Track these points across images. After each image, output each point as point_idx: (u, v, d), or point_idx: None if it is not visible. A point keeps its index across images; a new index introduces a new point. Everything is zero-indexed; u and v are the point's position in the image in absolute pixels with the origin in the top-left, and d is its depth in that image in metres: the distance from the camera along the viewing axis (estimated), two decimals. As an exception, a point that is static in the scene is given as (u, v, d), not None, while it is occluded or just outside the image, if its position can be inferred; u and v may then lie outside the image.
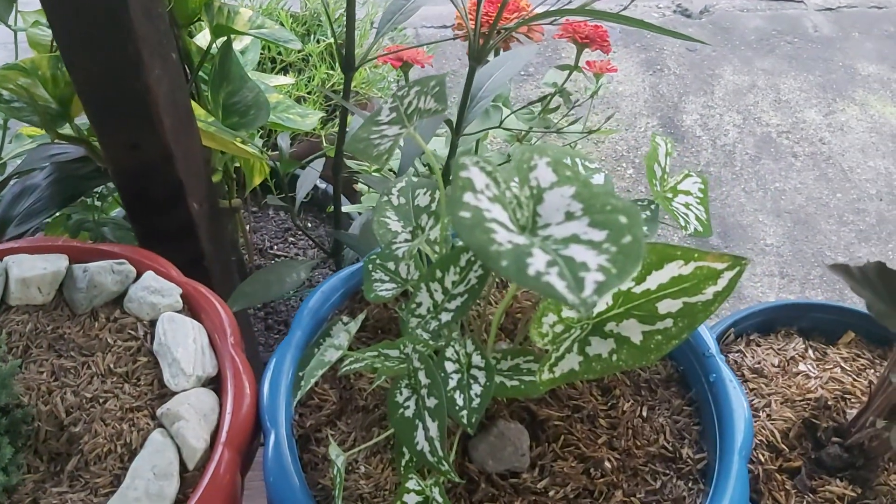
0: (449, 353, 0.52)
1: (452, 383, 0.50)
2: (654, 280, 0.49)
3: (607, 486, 0.55)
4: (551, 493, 0.54)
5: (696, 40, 0.78)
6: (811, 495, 0.60)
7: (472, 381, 0.50)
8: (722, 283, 0.48)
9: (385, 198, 0.67)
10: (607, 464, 0.56)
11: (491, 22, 0.81)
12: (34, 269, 0.63)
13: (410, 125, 0.54)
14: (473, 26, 0.82)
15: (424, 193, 0.68)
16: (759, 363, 0.70)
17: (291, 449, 0.55)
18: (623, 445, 0.57)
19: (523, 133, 1.12)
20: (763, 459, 0.62)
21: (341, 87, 1.47)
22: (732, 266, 0.48)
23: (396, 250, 0.55)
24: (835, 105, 2.52)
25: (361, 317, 0.55)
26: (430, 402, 0.50)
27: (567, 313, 0.49)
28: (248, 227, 1.39)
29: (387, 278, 0.60)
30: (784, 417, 0.65)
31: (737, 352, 0.72)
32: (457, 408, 0.49)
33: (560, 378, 0.49)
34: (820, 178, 2.23)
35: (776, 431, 0.64)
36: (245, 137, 0.95)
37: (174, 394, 0.58)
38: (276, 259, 1.45)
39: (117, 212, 1.06)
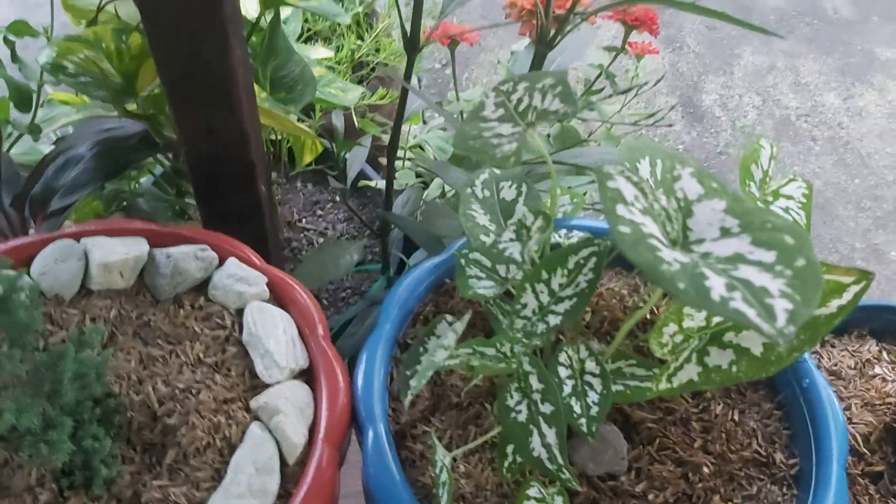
0: (562, 358, 0.51)
1: (567, 390, 0.50)
2: (778, 292, 0.49)
3: (706, 490, 0.55)
4: (650, 497, 0.54)
5: (768, 32, 0.75)
6: (895, 500, 0.61)
7: (587, 388, 0.50)
8: (847, 296, 0.48)
9: (469, 190, 0.66)
10: (705, 468, 0.56)
11: (567, 6, 0.79)
12: (116, 254, 0.62)
13: (523, 123, 0.52)
14: (544, 6, 0.80)
15: (510, 186, 0.66)
16: (835, 365, 0.70)
17: (390, 445, 0.55)
18: (718, 449, 0.57)
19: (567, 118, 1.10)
20: (846, 463, 0.62)
21: (369, 58, 1.45)
22: (859, 280, 0.48)
23: (505, 251, 0.54)
24: (853, 89, 2.51)
25: (467, 316, 0.54)
26: (545, 409, 0.49)
27: (689, 323, 0.49)
28: (276, 200, 1.37)
29: (483, 275, 0.59)
30: (865, 421, 0.65)
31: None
32: (574, 415, 0.48)
33: (678, 388, 0.48)
34: (838, 163, 2.23)
35: (857, 435, 0.64)
36: (296, 112, 0.93)
37: (266, 386, 0.57)
38: (305, 232, 1.43)
39: (145, 179, 1.01)
